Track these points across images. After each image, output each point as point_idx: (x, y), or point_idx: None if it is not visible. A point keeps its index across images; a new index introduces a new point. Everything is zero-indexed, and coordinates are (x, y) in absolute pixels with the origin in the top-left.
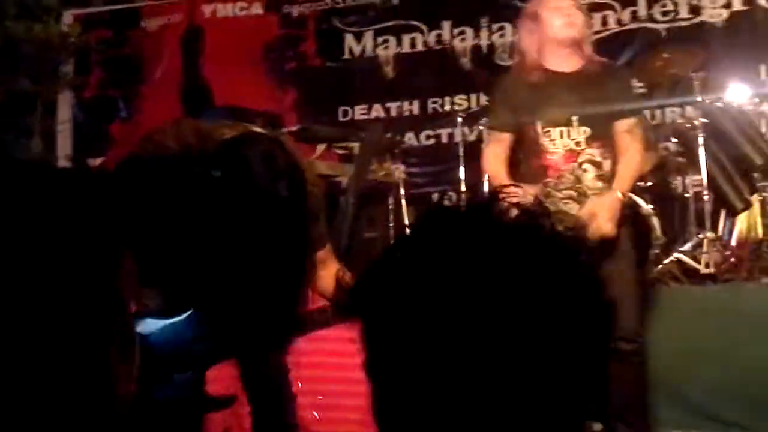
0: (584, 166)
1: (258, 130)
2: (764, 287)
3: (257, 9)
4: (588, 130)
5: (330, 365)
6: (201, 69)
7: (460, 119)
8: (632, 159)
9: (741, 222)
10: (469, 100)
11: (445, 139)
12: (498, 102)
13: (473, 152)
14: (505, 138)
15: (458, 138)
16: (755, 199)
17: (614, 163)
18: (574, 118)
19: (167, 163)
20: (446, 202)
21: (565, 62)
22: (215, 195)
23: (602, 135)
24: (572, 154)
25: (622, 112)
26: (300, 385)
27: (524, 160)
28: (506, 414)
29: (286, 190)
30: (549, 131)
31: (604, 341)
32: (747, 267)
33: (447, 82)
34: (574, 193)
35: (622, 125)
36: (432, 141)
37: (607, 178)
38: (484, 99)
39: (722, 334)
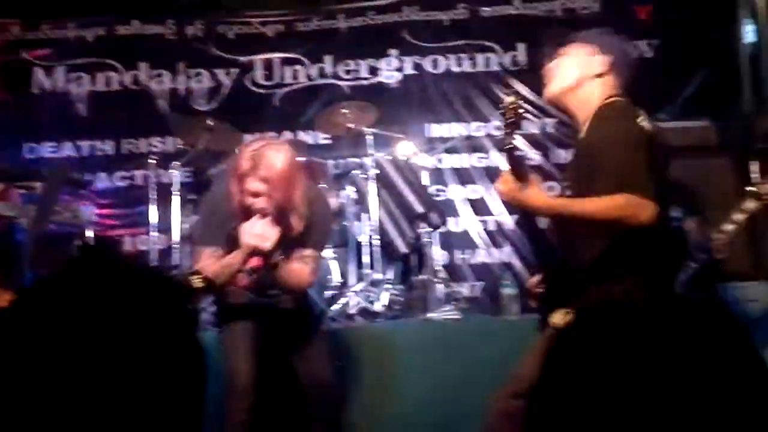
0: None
1: None
2: (424, 323)
3: None
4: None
5: None
6: None
7: (153, 161)
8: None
9: (409, 264)
10: (165, 142)
11: (139, 181)
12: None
13: (166, 195)
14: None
15: (152, 180)
16: (420, 243)
17: None
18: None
19: None
20: (139, 245)
21: None
22: None
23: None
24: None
25: (310, 243)
26: None
27: None
28: None
29: None
30: None
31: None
32: (410, 305)
33: (143, 124)
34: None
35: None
36: (126, 182)
37: None
38: (180, 142)
39: (387, 368)
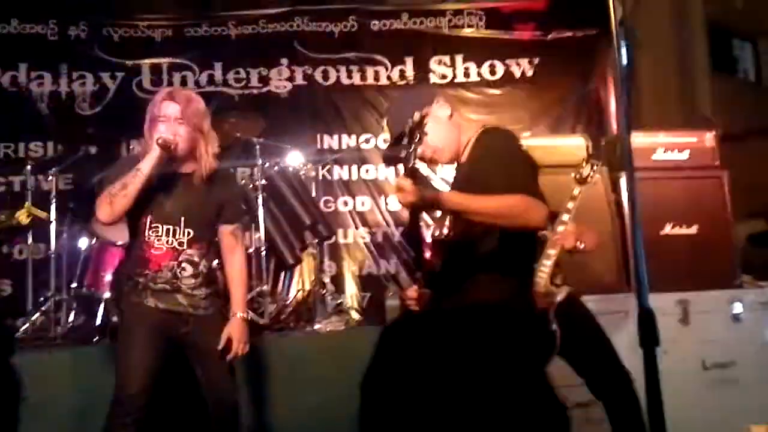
0: (183, 264)
1: None
2: (311, 334)
3: None
4: (191, 232)
5: None
6: None
7: (29, 167)
8: (242, 274)
9: (296, 275)
10: (45, 147)
11: (16, 187)
12: None
13: (44, 202)
14: None
15: (30, 186)
16: (306, 255)
17: (219, 263)
18: (182, 218)
19: None
20: (15, 255)
21: (180, 164)
22: None
23: (202, 237)
24: (174, 252)
25: (227, 217)
26: None
27: (132, 248)
28: None
29: None
30: (157, 227)
31: None
32: (297, 317)
33: (21, 127)
34: (168, 287)
35: (227, 228)
36: (1, 188)
37: (202, 275)
38: (60, 147)
39: (274, 380)
